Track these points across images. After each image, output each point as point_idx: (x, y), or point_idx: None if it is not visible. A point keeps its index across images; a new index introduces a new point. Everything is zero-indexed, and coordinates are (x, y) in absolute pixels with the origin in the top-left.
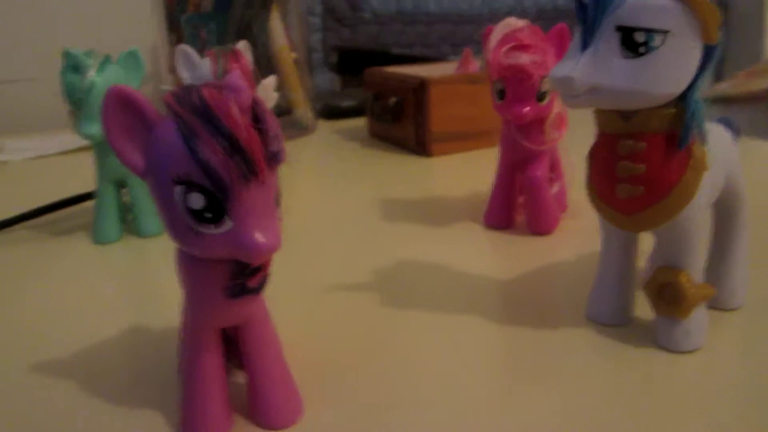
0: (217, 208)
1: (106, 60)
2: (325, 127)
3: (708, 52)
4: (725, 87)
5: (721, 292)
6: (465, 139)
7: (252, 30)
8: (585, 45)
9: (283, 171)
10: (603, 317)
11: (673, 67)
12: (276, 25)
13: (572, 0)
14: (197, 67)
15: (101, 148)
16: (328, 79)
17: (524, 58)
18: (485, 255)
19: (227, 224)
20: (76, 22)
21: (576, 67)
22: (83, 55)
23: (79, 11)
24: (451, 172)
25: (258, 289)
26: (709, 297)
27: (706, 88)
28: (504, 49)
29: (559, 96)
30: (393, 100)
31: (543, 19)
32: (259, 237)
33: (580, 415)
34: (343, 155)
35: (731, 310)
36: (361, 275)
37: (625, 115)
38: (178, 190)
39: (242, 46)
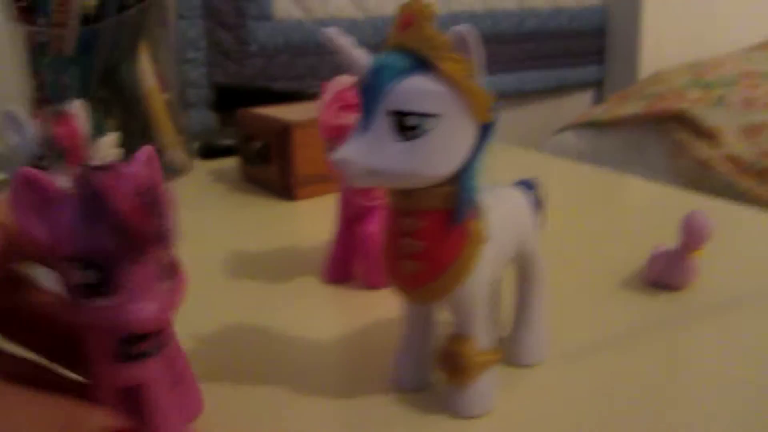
0: (104, 284)
1: None
2: (201, 168)
3: (484, 131)
4: (598, 112)
5: (520, 350)
6: (331, 181)
7: (119, 73)
8: (363, 128)
9: None
10: (404, 383)
11: (445, 149)
12: (145, 66)
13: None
14: (24, 130)
15: None
16: (210, 117)
17: (351, 119)
18: (316, 313)
19: (113, 298)
20: None
21: (352, 150)
22: None
23: None
24: (314, 216)
25: (149, 354)
26: (493, 363)
27: (483, 165)
28: (332, 108)
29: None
30: (257, 144)
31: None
32: (143, 309)
33: None
34: (210, 200)
35: (530, 366)
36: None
37: (406, 193)
38: (69, 265)
39: (77, 105)
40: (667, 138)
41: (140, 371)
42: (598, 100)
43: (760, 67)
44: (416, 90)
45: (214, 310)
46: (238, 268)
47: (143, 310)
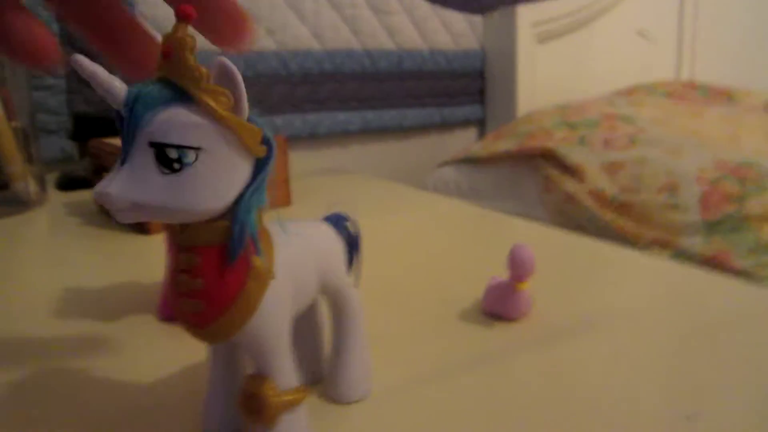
0: None
1: None
2: (57, 199)
3: (260, 164)
4: (476, 149)
5: (339, 386)
6: None
7: None
8: (126, 161)
9: None
10: (214, 427)
11: (212, 182)
12: None
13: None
14: None
15: None
16: (68, 145)
17: None
18: (148, 353)
19: None
20: None
21: (114, 183)
22: None
23: None
24: (164, 252)
25: None
26: (296, 403)
27: (260, 199)
28: None
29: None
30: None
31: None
32: None
33: None
34: (60, 234)
35: (351, 403)
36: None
37: (182, 228)
38: None
39: None
40: (538, 173)
41: None
42: (482, 137)
43: (621, 110)
44: (174, 122)
45: (38, 351)
46: (72, 307)
47: None
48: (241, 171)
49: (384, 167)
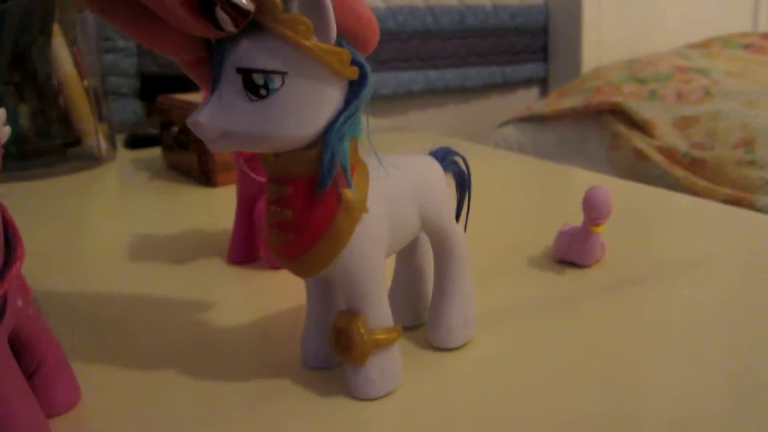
0: None
1: None
2: (125, 157)
3: (354, 90)
4: (539, 106)
5: (439, 331)
6: None
7: (30, 56)
8: (216, 90)
9: None
10: (310, 361)
11: (299, 108)
12: (61, 51)
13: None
14: None
15: None
16: (138, 107)
17: None
18: (217, 293)
19: None
20: None
21: (204, 112)
22: None
23: None
24: (232, 201)
25: None
26: (387, 343)
27: (356, 127)
28: None
29: None
30: (175, 129)
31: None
32: None
33: None
34: (129, 188)
35: (450, 349)
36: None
37: (274, 158)
38: None
39: None
40: (605, 130)
41: None
42: (544, 96)
43: (694, 63)
44: (260, 47)
45: (115, 291)
46: (143, 252)
47: None
48: (330, 97)
49: (445, 129)
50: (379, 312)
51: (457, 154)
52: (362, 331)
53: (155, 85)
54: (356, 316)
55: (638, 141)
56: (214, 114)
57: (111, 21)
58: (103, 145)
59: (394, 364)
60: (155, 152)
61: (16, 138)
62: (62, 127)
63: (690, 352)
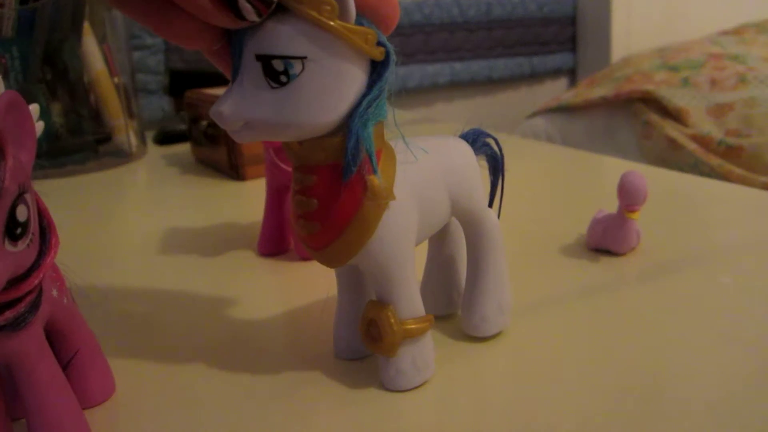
0: None
1: None
2: (155, 152)
3: (377, 74)
4: (568, 96)
5: (471, 319)
6: None
7: (62, 54)
8: (238, 79)
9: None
10: (342, 352)
11: (321, 94)
12: (91, 48)
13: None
14: None
15: None
16: (166, 103)
17: None
18: (247, 285)
19: None
20: None
21: (226, 102)
22: None
23: None
24: (261, 194)
25: (8, 327)
26: (418, 333)
27: (380, 112)
28: None
29: None
30: (204, 123)
31: None
32: None
33: None
34: (159, 182)
35: (485, 338)
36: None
37: (298, 146)
38: None
39: None
40: (636, 119)
41: (7, 345)
42: (572, 87)
43: (728, 50)
44: (278, 32)
45: (147, 284)
46: (175, 245)
47: None
48: (353, 80)
49: (472, 121)
50: (410, 301)
51: (489, 135)
52: (392, 321)
53: (183, 81)
54: (386, 306)
55: (671, 129)
56: (235, 104)
57: (128, 12)
58: (134, 141)
59: (426, 355)
60: (184, 148)
61: (48, 135)
62: (93, 123)
63: (729, 339)
